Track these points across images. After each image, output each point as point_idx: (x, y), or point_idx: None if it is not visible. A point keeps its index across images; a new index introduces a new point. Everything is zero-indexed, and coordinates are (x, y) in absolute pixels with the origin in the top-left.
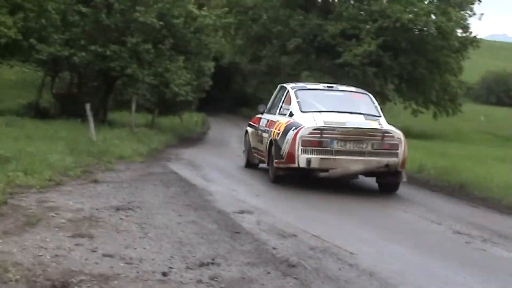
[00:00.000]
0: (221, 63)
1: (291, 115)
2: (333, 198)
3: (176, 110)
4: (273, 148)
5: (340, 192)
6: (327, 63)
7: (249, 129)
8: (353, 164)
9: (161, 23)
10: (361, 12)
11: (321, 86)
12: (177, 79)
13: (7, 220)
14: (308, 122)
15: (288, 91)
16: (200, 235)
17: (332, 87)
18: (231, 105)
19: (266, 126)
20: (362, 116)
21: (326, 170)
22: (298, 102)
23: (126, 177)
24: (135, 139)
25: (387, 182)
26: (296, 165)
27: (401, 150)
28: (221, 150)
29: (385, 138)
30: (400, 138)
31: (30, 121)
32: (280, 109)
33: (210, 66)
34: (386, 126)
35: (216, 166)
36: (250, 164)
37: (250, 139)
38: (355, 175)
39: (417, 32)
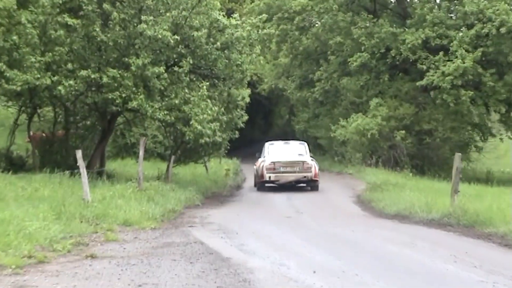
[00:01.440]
0: (260, 90)
1: (264, 156)
2: (414, 268)
3: (199, 156)
4: (256, 173)
5: (423, 259)
6: (404, 86)
7: (254, 167)
8: (290, 177)
9: (176, 37)
10: (451, 15)
11: (281, 142)
12: (200, 113)
13: None
14: (269, 159)
15: (265, 146)
16: None
17: (287, 142)
18: None
19: (256, 164)
20: (296, 154)
21: (278, 181)
22: (268, 151)
23: (135, 250)
24: (145, 197)
25: (310, 186)
26: (264, 179)
27: (312, 170)
28: (262, 210)
29: (304, 164)
30: (312, 163)
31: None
32: (262, 155)
33: (244, 94)
34: (305, 159)
35: (257, 233)
36: (256, 185)
37: (254, 172)
38: (291, 182)
39: None
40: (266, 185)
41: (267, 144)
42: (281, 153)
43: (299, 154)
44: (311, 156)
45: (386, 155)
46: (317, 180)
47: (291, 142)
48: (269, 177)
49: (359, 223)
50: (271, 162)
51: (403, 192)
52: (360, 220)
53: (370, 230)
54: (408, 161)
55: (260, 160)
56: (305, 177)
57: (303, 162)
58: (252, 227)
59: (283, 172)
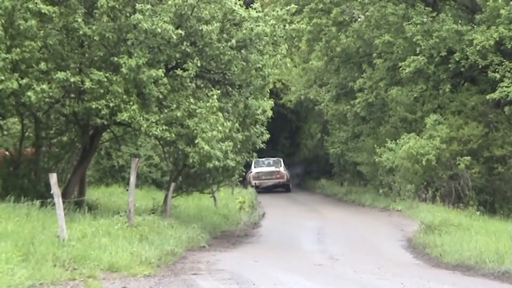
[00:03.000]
0: (285, 101)
1: (251, 169)
2: None
3: (206, 184)
4: (246, 180)
5: None
6: (471, 100)
7: (247, 176)
8: (269, 182)
9: (180, 31)
10: None
11: (263, 159)
12: (208, 129)
13: None
14: (254, 171)
15: (252, 162)
16: None
17: (268, 159)
18: (300, 174)
19: (247, 174)
20: (273, 167)
21: (261, 185)
22: (254, 165)
23: None
24: (136, 235)
25: (284, 189)
26: (252, 184)
27: (285, 177)
28: (286, 255)
29: (279, 173)
30: (285, 173)
31: None
32: (250, 168)
33: (265, 106)
34: (280, 169)
35: (280, 285)
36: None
37: (247, 180)
38: (270, 187)
39: None
40: (253, 188)
41: (253, 161)
42: (263, 166)
43: (275, 167)
44: (284, 169)
45: (445, 188)
46: (289, 184)
47: (271, 158)
48: (255, 183)
49: (410, 274)
50: (256, 173)
51: (467, 235)
52: (411, 271)
53: (424, 283)
54: (474, 196)
55: (248, 172)
56: (279, 182)
57: (278, 171)
58: (273, 277)
59: (264, 179)
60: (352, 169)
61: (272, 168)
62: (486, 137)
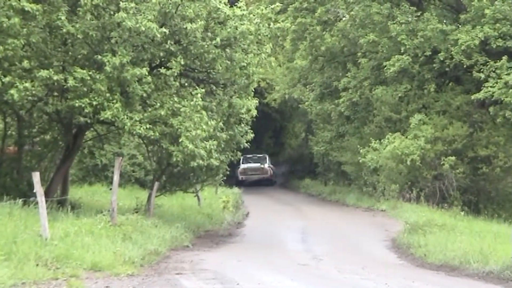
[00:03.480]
0: (269, 100)
1: (239, 165)
2: None
3: (189, 183)
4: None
5: None
6: (456, 100)
7: (236, 172)
8: (254, 177)
9: (164, 30)
10: None
11: (250, 155)
12: (192, 128)
13: None
14: (242, 166)
15: (240, 158)
16: None
17: (255, 155)
18: (285, 173)
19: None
20: (259, 163)
21: (247, 179)
22: (242, 161)
23: None
24: (119, 234)
25: (268, 183)
26: (238, 179)
27: (269, 172)
28: (270, 255)
29: (263, 169)
30: (268, 169)
31: None
32: (238, 165)
33: (249, 105)
34: (264, 166)
35: (264, 284)
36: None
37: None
38: (255, 180)
39: None
40: (240, 181)
41: (242, 158)
42: (250, 162)
43: (261, 163)
44: (269, 166)
45: (430, 188)
46: (272, 179)
47: (258, 155)
48: (241, 178)
49: (394, 275)
50: (242, 168)
51: (451, 236)
52: (395, 271)
53: (408, 284)
54: (458, 196)
55: (237, 167)
56: (263, 177)
57: (263, 168)
58: (257, 277)
59: (250, 174)
60: (336, 168)
61: (258, 165)
62: (470, 137)
